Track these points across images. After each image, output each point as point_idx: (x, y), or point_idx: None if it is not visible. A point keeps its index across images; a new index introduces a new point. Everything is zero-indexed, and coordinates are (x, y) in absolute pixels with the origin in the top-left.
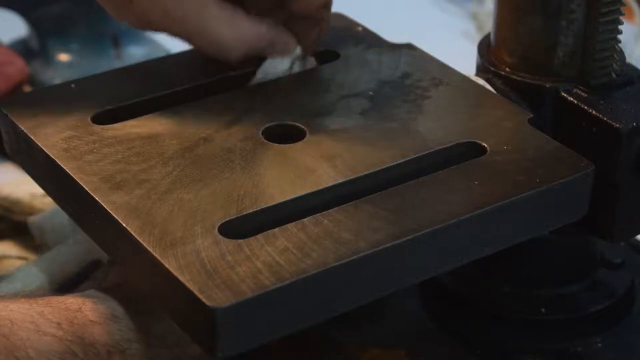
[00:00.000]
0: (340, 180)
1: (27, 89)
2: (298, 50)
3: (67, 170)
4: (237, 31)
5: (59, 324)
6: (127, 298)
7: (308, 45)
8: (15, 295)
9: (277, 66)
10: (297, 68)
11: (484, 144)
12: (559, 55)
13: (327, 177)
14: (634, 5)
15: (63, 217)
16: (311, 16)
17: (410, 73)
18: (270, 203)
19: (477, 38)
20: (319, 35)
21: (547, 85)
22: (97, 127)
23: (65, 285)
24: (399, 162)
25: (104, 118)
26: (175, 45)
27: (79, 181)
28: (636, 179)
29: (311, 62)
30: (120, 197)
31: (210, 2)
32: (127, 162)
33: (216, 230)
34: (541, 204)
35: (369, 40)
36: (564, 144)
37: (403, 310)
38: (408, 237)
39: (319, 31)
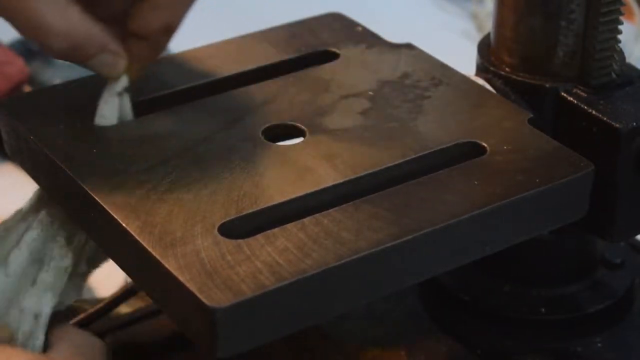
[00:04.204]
0: (340, 180)
1: (27, 89)
2: (124, 81)
3: (67, 170)
4: (66, 21)
5: None
6: None
7: (135, 68)
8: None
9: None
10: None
11: (484, 144)
12: (559, 55)
13: (327, 177)
14: (634, 5)
15: None
16: (148, 38)
17: (410, 73)
18: (270, 203)
19: (477, 38)
20: (147, 60)
21: (547, 85)
22: (97, 127)
23: None
24: (399, 162)
25: None
26: (175, 45)
27: (79, 181)
28: (636, 179)
29: (127, 103)
30: (120, 197)
31: None
32: (127, 162)
33: (216, 230)
34: (541, 204)
35: (369, 40)
36: (564, 144)
37: (403, 310)
38: (408, 237)
39: (150, 57)
